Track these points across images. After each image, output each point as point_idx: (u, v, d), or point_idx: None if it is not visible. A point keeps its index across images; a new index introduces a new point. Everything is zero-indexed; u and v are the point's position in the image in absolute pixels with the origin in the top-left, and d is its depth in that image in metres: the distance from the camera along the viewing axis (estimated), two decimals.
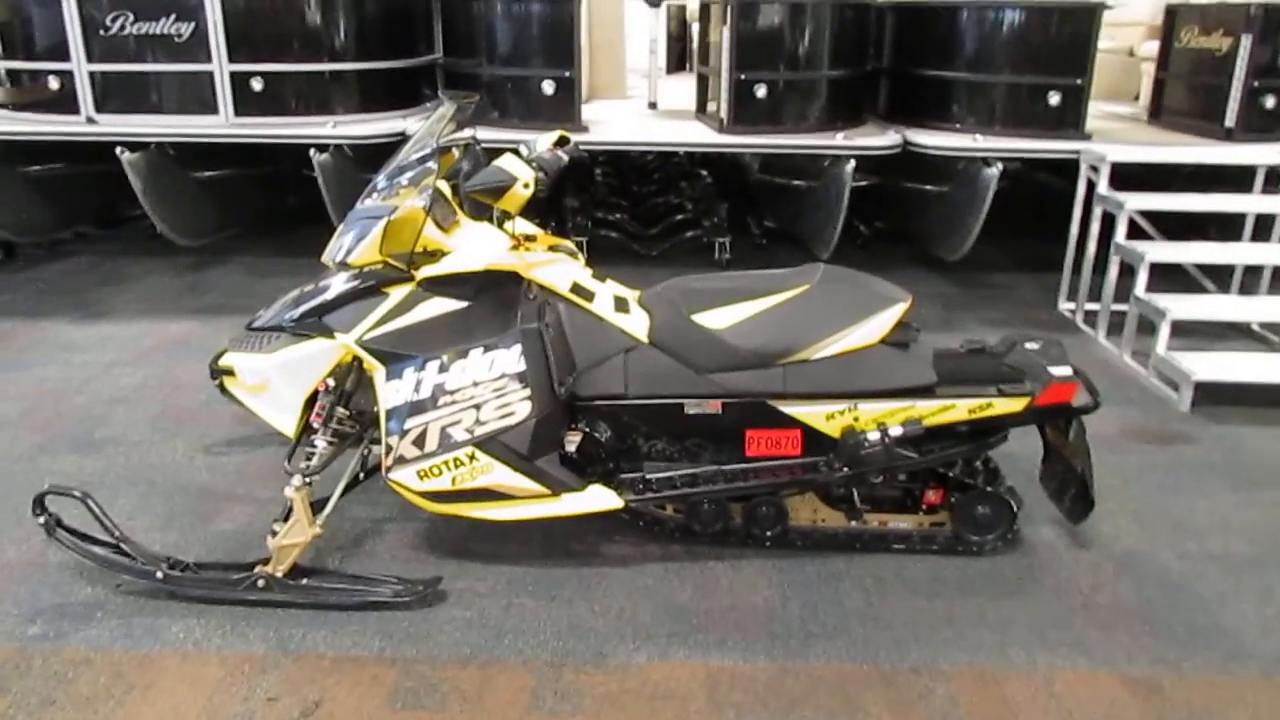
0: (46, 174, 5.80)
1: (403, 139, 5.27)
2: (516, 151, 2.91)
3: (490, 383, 2.69)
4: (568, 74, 5.20)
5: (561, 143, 3.07)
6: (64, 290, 5.54)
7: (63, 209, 6.00)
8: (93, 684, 2.42)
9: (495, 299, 2.77)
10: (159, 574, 2.72)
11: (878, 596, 2.80)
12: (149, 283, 5.68)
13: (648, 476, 2.89)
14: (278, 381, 2.78)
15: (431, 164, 2.70)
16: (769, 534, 2.99)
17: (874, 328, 2.82)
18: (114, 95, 5.30)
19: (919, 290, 2.93)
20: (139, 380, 4.28)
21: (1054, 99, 5.15)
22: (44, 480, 3.30)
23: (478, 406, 2.69)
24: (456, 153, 3.10)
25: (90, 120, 5.32)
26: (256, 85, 5.24)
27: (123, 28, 5.13)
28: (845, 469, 2.82)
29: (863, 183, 5.22)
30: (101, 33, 5.15)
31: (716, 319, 2.85)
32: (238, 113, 5.27)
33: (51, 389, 4.18)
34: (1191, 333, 4.64)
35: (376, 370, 2.72)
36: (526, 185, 2.70)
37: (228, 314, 5.13)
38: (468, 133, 3.16)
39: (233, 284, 5.68)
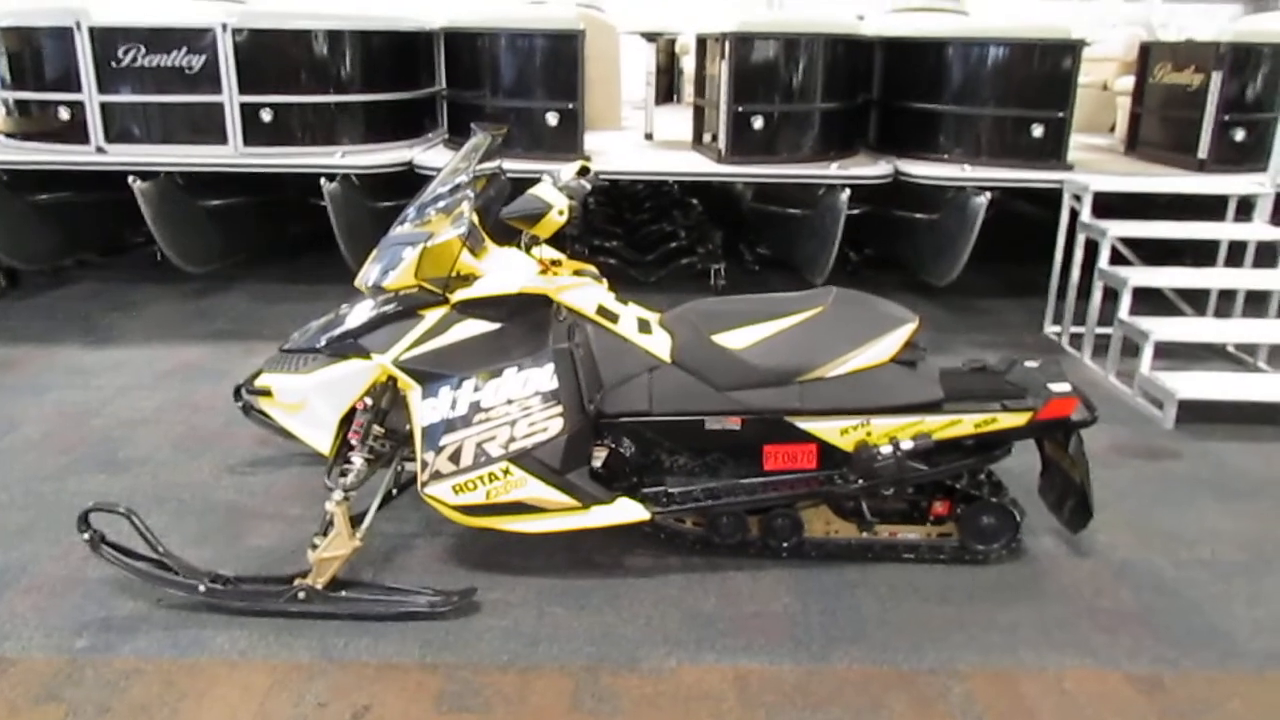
0: (53, 202, 5.88)
1: (409, 169, 5.45)
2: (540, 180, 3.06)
3: (524, 400, 2.81)
4: (571, 106, 5.37)
5: (583, 172, 3.23)
6: (72, 316, 5.61)
7: (68, 237, 6.10)
8: (146, 692, 2.51)
9: (527, 321, 2.90)
10: (202, 588, 2.81)
11: (892, 603, 2.94)
12: (157, 309, 5.77)
13: (670, 490, 3.02)
14: (315, 401, 2.89)
15: (469, 192, 2.83)
16: (785, 545, 3.13)
17: (884, 347, 2.98)
18: (124, 125, 5.41)
19: None
20: (157, 403, 4.36)
21: (1037, 131, 5.38)
22: (74, 500, 3.41)
23: (512, 423, 2.81)
24: (484, 182, 3.24)
25: (100, 150, 5.42)
26: (266, 116, 5.37)
27: (134, 60, 5.25)
28: (859, 481, 2.97)
29: (854, 211, 5.40)
30: (113, 65, 5.27)
31: (736, 339, 3.00)
32: (247, 143, 5.39)
33: (70, 412, 4.25)
34: (1171, 354, 4.84)
35: (412, 389, 2.84)
36: (561, 212, 2.86)
37: (238, 339, 5.23)
38: (495, 163, 3.30)
39: (240, 310, 5.77)
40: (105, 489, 3.56)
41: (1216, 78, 5.44)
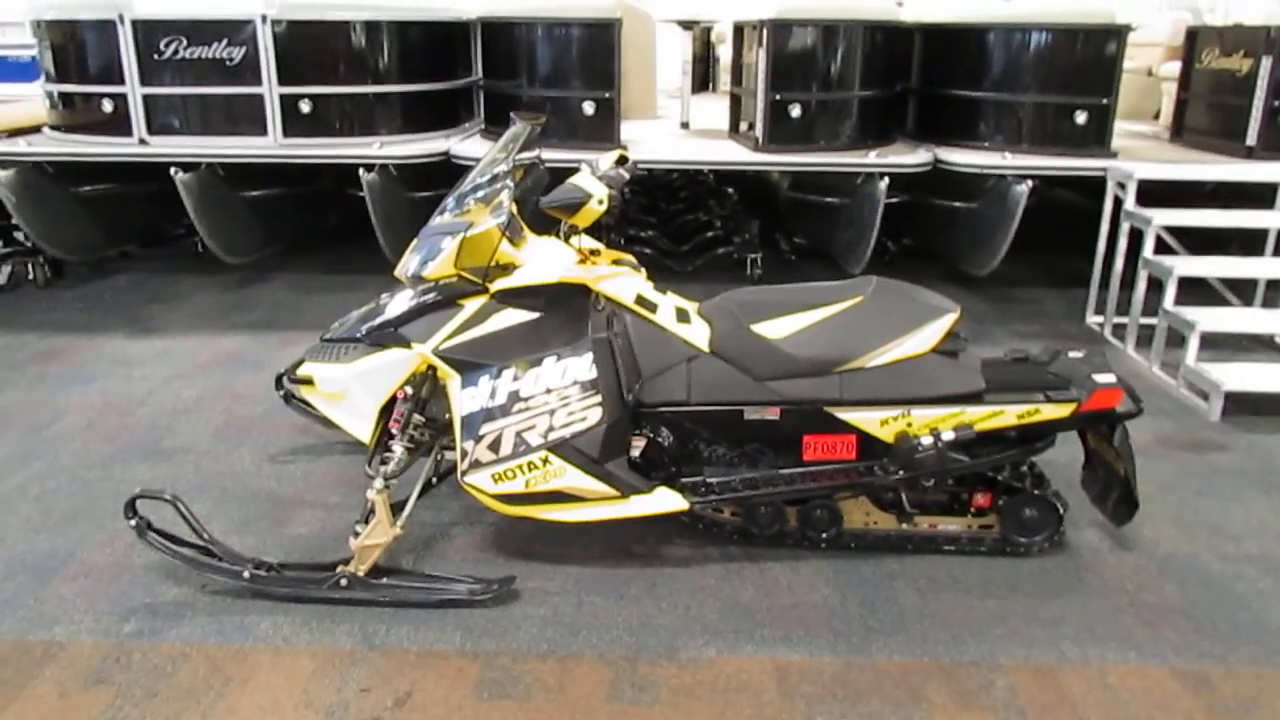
0: (96, 194, 5.97)
1: (446, 159, 5.46)
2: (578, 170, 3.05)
3: (563, 390, 2.82)
4: (608, 95, 5.36)
5: (621, 161, 3.22)
6: (116, 307, 5.69)
7: (111, 228, 6.18)
8: (192, 677, 2.55)
9: (566, 310, 2.90)
10: (246, 574, 2.85)
11: (932, 595, 2.92)
12: (197, 299, 5.84)
13: (709, 480, 3.01)
14: (356, 390, 2.90)
15: (508, 182, 2.84)
16: (824, 536, 3.11)
17: (925, 337, 2.95)
18: (166, 117, 5.48)
19: None
20: (198, 392, 4.42)
21: (1081, 118, 5.30)
22: (119, 487, 3.47)
23: (551, 412, 2.81)
24: (522, 172, 3.24)
25: (142, 141, 5.49)
26: (305, 107, 5.41)
27: (176, 52, 5.31)
28: (900, 472, 2.94)
29: (892, 200, 5.35)
30: (155, 57, 5.33)
31: (775, 329, 2.98)
32: (286, 134, 5.44)
33: (114, 401, 4.32)
34: (1216, 345, 4.76)
35: (451, 379, 2.85)
36: (600, 202, 2.85)
37: (277, 329, 5.28)
38: (533, 153, 3.30)
39: (278, 300, 5.83)
40: (150, 478, 3.61)
41: (1266, 62, 5.32)
